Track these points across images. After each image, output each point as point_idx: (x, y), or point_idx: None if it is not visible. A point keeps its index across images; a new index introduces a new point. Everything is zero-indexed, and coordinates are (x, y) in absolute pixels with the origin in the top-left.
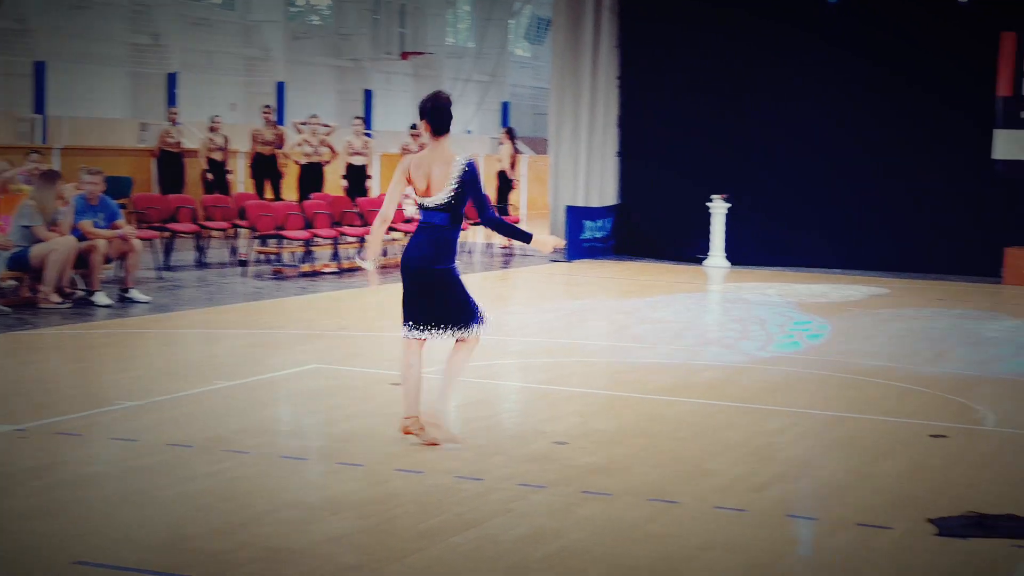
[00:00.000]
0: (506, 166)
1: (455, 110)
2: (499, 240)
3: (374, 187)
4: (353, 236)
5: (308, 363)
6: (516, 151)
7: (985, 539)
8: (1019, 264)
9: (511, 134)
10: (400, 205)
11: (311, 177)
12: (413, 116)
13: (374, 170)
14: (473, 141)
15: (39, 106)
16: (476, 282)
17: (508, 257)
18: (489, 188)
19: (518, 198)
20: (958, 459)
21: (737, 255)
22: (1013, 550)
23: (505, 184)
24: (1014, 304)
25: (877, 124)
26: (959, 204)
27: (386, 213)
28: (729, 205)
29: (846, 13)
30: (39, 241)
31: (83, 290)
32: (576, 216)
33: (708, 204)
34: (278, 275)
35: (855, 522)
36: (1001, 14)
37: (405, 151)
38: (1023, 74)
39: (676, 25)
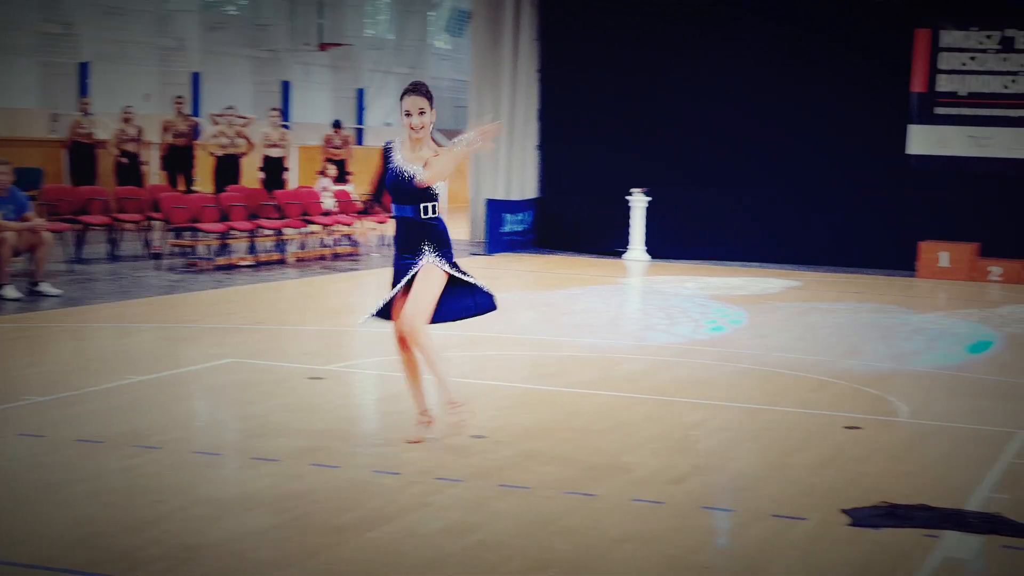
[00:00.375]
0: None
1: (375, 102)
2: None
3: (291, 179)
4: (269, 228)
5: (223, 357)
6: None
7: (898, 529)
8: (932, 258)
9: None
10: (318, 196)
11: (227, 169)
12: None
13: (291, 162)
14: (393, 133)
15: None
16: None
17: None
18: None
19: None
20: (872, 450)
21: (657, 248)
22: (925, 540)
23: None
24: (927, 298)
25: (793, 119)
26: (874, 199)
27: None
28: (649, 199)
29: (763, 9)
30: None
31: None
32: (496, 209)
33: (628, 198)
34: (193, 268)
35: (770, 513)
36: (915, 11)
37: (328, 143)
38: (937, 70)
39: (596, 18)
